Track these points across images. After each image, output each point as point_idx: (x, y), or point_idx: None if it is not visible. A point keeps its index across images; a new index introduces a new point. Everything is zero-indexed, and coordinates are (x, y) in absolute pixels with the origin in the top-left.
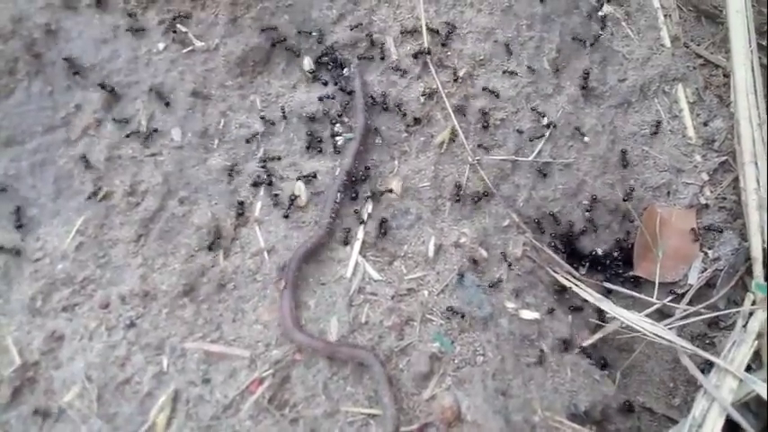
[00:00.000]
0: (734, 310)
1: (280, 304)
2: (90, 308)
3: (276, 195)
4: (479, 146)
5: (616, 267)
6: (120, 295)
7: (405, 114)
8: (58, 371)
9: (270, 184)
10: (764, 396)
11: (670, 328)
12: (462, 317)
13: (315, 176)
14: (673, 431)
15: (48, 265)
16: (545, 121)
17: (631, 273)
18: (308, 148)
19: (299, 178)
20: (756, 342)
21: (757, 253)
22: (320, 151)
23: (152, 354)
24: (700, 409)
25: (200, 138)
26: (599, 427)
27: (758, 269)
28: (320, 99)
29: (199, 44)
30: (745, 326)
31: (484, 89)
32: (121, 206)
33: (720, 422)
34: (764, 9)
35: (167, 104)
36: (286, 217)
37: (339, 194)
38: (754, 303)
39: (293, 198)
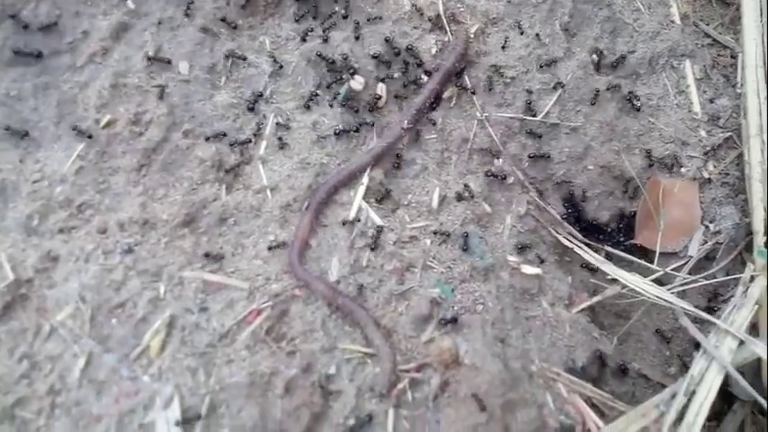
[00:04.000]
0: (735, 276)
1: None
2: (87, 232)
3: (280, 138)
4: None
5: (617, 234)
6: (119, 222)
7: (417, 65)
8: (51, 290)
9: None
10: (764, 356)
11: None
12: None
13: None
14: (670, 389)
15: (46, 187)
16: (554, 82)
17: (632, 241)
18: (313, 95)
19: (382, 80)
20: (756, 307)
21: (759, 225)
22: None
23: (149, 280)
24: (698, 368)
25: (208, 73)
26: (594, 385)
27: (759, 239)
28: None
29: None
30: (745, 292)
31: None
32: (124, 135)
33: (719, 380)
34: None
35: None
36: (371, 110)
37: (407, 122)
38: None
39: (377, 97)
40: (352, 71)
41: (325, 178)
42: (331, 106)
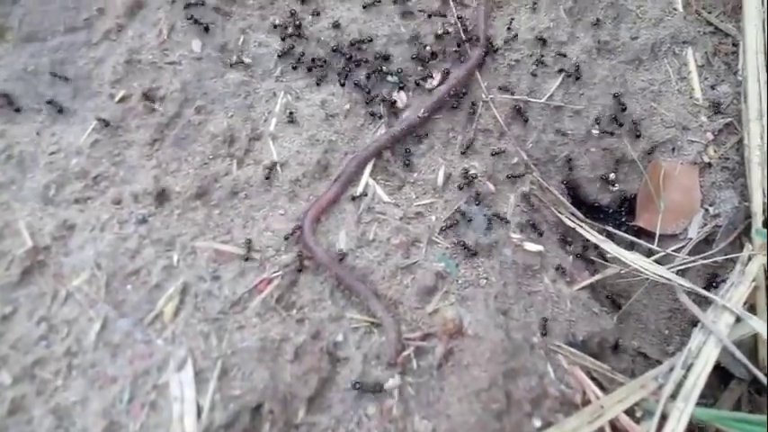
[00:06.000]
0: (733, 255)
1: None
2: (102, 202)
3: (291, 113)
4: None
5: (618, 216)
6: (133, 193)
7: (423, 46)
8: (68, 257)
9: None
10: (762, 331)
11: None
12: (466, 248)
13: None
14: (668, 363)
15: (62, 159)
16: (558, 66)
17: (633, 223)
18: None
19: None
20: (753, 284)
21: (758, 207)
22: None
23: (162, 249)
24: (696, 343)
25: (220, 52)
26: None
27: (758, 221)
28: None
29: None
30: (743, 271)
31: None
32: (138, 109)
33: (715, 354)
34: None
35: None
36: (417, 84)
37: (424, 111)
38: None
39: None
40: (401, 86)
41: (354, 153)
42: (342, 85)
